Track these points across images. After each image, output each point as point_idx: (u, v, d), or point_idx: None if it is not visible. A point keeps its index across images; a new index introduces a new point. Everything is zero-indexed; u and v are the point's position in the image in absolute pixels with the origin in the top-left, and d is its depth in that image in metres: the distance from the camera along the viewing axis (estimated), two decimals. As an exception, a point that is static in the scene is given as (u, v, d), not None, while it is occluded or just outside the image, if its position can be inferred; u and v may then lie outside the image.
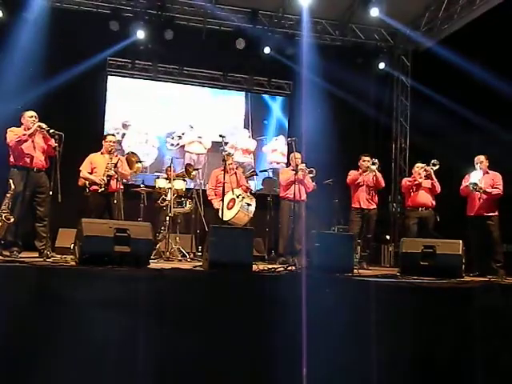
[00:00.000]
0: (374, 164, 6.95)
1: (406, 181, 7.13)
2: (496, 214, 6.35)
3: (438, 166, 6.85)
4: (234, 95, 9.85)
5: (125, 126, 8.58)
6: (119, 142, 8.36)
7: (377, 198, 7.10)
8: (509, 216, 6.43)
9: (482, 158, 6.46)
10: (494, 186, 6.36)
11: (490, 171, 6.46)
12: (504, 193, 6.35)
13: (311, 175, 6.96)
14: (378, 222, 7.19)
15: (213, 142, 8.81)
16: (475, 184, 6.30)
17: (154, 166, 8.76)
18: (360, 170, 7.04)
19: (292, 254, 6.27)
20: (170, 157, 8.42)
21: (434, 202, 6.93)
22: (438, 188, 6.88)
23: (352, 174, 7.10)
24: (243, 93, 9.83)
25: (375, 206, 7.05)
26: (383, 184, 7.11)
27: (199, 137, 8.56)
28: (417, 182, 6.88)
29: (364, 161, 7.03)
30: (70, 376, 3.32)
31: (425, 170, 6.88)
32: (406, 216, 7.24)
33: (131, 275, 3.74)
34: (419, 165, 7.01)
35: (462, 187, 6.52)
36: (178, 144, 8.50)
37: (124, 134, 8.55)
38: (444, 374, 3.96)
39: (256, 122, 9.78)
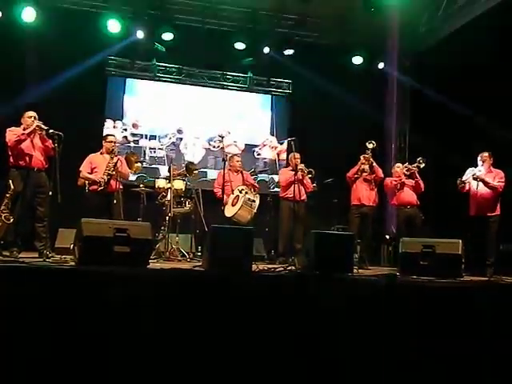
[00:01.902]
0: (370, 143, 6.96)
1: (391, 180, 7.13)
2: (498, 213, 6.29)
3: (424, 165, 6.85)
4: (261, 98, 10.08)
5: (180, 131, 9.59)
6: (177, 145, 9.56)
7: (377, 197, 7.11)
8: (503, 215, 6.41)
9: (485, 155, 6.37)
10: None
11: (493, 169, 6.38)
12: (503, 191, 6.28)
13: (310, 176, 6.99)
14: (374, 220, 7.19)
15: (245, 144, 9.82)
16: (461, 182, 6.31)
17: (201, 163, 9.55)
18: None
19: (292, 253, 6.28)
20: (213, 156, 9.61)
21: (418, 201, 6.97)
22: (422, 186, 6.93)
23: (350, 169, 7.16)
24: (269, 95, 10.04)
25: (374, 205, 7.06)
26: (381, 174, 7.12)
27: (234, 141, 9.77)
28: (402, 181, 6.92)
29: (367, 148, 7.06)
30: (70, 375, 3.32)
31: (408, 168, 6.91)
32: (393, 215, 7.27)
33: (131, 275, 3.74)
34: (399, 165, 7.14)
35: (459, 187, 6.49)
36: (218, 146, 9.53)
37: (178, 139, 9.65)
38: (444, 373, 3.96)
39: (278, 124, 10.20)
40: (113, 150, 6.16)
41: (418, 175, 6.91)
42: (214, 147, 9.64)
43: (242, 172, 7.18)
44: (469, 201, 6.45)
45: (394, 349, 3.87)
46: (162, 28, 8.58)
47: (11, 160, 5.48)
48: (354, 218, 7.02)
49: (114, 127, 9.20)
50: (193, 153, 9.55)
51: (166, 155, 9.39)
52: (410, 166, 6.94)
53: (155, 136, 9.45)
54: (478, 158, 6.42)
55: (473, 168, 6.39)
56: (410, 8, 8.76)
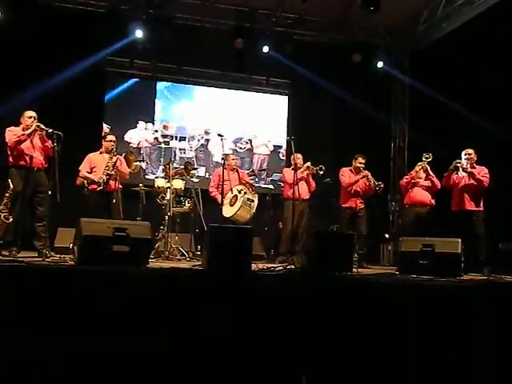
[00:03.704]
0: (379, 189, 6.96)
1: (403, 179, 7.11)
2: (481, 208, 6.30)
3: (430, 159, 6.76)
4: (278, 99, 10.14)
5: (207, 132, 9.78)
6: (205, 146, 9.75)
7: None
8: (497, 212, 6.39)
9: (470, 151, 6.37)
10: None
11: (477, 166, 6.37)
12: (489, 185, 6.28)
13: (322, 172, 7.00)
14: (368, 220, 7.17)
15: (274, 145, 10.06)
16: (455, 167, 6.26)
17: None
18: (355, 173, 7.09)
19: (293, 252, 6.29)
20: (239, 157, 9.31)
21: (432, 201, 6.84)
22: (438, 184, 6.76)
23: (346, 174, 7.13)
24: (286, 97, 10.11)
25: (364, 206, 7.09)
26: (372, 192, 7.13)
27: (269, 140, 10.05)
28: (414, 181, 6.84)
29: (360, 163, 7.06)
30: (70, 376, 3.32)
31: (421, 167, 6.80)
32: (403, 214, 7.22)
33: (130, 275, 3.74)
34: (420, 163, 7.00)
35: (443, 179, 6.48)
36: (245, 148, 9.91)
37: (206, 140, 9.84)
38: (443, 372, 3.96)
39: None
40: (112, 149, 6.15)
41: (431, 172, 6.78)
42: (241, 148, 9.81)
43: (237, 170, 7.19)
44: (452, 196, 6.47)
45: (393, 348, 3.88)
46: (161, 27, 8.57)
47: (10, 160, 5.48)
48: (346, 216, 7.04)
49: (146, 129, 9.49)
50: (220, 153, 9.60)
51: (196, 156, 9.63)
52: (422, 164, 6.81)
53: (185, 137, 9.70)
54: (463, 153, 6.39)
55: (459, 160, 6.37)
56: (409, 6, 8.78)
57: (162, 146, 9.55)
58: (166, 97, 9.67)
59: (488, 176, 6.30)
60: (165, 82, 9.64)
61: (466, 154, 6.38)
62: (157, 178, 7.58)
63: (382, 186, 6.94)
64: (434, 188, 6.82)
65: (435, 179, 6.78)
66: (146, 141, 9.47)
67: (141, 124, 9.45)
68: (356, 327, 3.86)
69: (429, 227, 6.63)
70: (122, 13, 8.55)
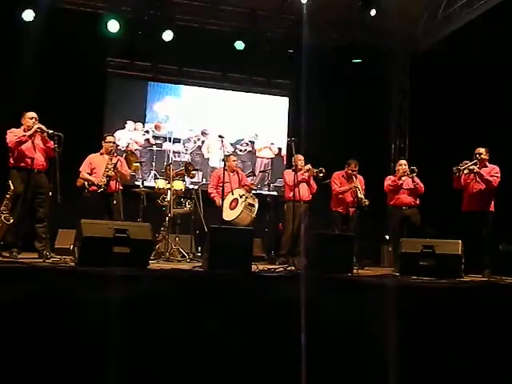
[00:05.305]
0: (365, 205, 6.95)
1: (387, 184, 7.09)
2: (491, 209, 6.28)
3: (416, 173, 6.81)
4: (279, 100, 9.97)
5: (204, 133, 9.32)
6: (199, 148, 9.30)
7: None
8: (498, 213, 6.39)
9: (481, 150, 6.35)
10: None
11: (489, 164, 6.35)
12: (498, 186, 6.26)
13: (321, 174, 7.00)
14: (360, 221, 7.18)
15: (278, 147, 9.72)
16: (457, 169, 6.26)
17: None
18: (347, 179, 7.13)
19: (293, 254, 6.29)
20: (240, 160, 9.11)
21: (417, 202, 6.92)
22: (422, 188, 6.86)
23: (338, 180, 7.17)
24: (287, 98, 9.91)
25: (355, 209, 7.10)
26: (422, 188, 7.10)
27: (272, 143, 9.63)
28: (398, 183, 6.89)
29: (353, 170, 7.09)
30: (70, 376, 3.32)
31: (406, 173, 6.87)
32: (390, 214, 7.24)
33: (131, 276, 3.74)
34: (403, 162, 7.04)
35: (454, 182, 6.47)
36: (245, 150, 9.48)
37: (203, 142, 9.42)
38: (443, 374, 3.96)
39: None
40: (111, 150, 6.16)
41: (416, 178, 6.84)
42: (241, 151, 9.49)
43: (237, 172, 7.17)
44: (462, 197, 6.45)
45: (393, 350, 3.88)
46: (162, 28, 8.58)
47: (11, 161, 5.48)
48: (338, 218, 7.09)
49: (135, 129, 8.95)
50: (219, 157, 9.06)
51: (192, 160, 8.96)
52: (408, 171, 6.85)
53: (179, 139, 9.15)
54: (474, 152, 6.37)
55: (468, 161, 6.36)
56: (409, 8, 8.78)
57: (154, 148, 8.97)
58: (161, 97, 9.31)
59: (499, 175, 6.26)
60: (162, 82, 9.42)
61: (476, 154, 6.34)
62: (157, 179, 7.57)
63: (366, 203, 6.94)
64: (418, 192, 6.90)
65: (419, 185, 6.86)
66: (136, 143, 8.88)
67: (129, 124, 8.88)
68: (356, 328, 3.86)
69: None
70: (123, 14, 8.55)
